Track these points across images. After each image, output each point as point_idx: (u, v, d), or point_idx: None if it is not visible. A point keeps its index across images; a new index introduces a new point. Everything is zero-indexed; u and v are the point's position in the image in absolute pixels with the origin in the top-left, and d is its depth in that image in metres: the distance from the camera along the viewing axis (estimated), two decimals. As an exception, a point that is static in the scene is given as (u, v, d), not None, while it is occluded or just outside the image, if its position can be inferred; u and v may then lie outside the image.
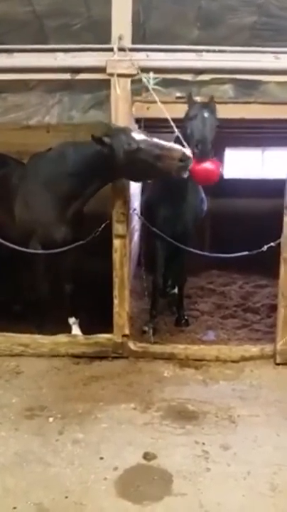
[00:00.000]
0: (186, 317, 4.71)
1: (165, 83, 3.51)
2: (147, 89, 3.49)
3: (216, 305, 5.31)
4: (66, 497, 2.27)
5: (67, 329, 4.04)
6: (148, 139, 3.33)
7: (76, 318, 4.12)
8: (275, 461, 2.56)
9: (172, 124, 3.45)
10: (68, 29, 4.75)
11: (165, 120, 3.54)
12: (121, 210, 3.65)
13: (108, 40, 3.44)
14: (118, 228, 3.67)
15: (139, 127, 4.07)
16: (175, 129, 3.52)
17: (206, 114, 3.69)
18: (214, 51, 3.47)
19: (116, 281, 3.76)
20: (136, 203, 4.85)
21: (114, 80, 3.45)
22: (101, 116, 5.47)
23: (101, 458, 2.58)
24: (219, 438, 2.77)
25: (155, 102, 3.43)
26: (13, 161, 4.28)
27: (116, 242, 3.70)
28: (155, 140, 3.34)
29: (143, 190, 5.31)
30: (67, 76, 3.58)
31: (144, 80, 3.40)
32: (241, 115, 4.12)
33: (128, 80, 3.48)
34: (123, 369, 3.65)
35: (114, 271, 3.74)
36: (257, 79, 3.72)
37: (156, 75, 3.46)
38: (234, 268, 6.14)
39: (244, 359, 3.80)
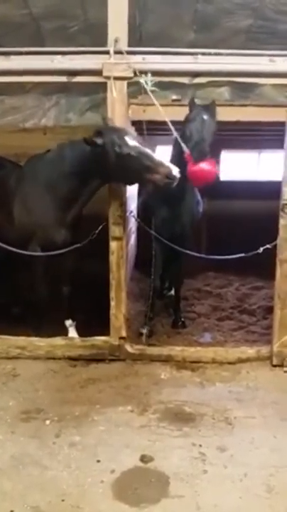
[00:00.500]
0: (183, 319, 4.72)
1: (161, 86, 3.52)
2: (144, 92, 3.50)
3: (212, 307, 5.32)
4: (63, 500, 2.27)
5: (64, 331, 4.03)
6: (141, 147, 3.33)
7: (73, 320, 4.11)
8: (271, 462, 2.57)
9: (170, 126, 3.46)
10: (65, 32, 4.75)
11: (162, 122, 3.55)
12: (118, 212, 3.66)
13: (104, 43, 3.45)
14: (115, 230, 3.67)
15: (137, 129, 4.08)
16: (173, 131, 3.53)
17: (205, 117, 3.71)
18: (210, 54, 3.48)
19: (112, 283, 3.76)
20: (132, 205, 4.85)
21: (110, 83, 3.46)
22: (97, 119, 5.45)
23: (98, 461, 2.58)
24: (215, 440, 2.77)
25: (151, 104, 3.44)
26: (10, 164, 4.28)
27: (113, 245, 3.70)
28: (147, 150, 3.36)
29: (139, 193, 5.32)
30: (63, 79, 3.59)
31: (142, 81, 3.41)
32: (237, 118, 4.13)
33: (125, 83, 3.49)
34: (120, 371, 3.65)
35: (110, 273, 3.74)
36: (253, 81, 3.73)
37: (153, 78, 3.47)
38: (231, 270, 6.16)
39: (241, 361, 3.80)
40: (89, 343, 3.83)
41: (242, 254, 3.82)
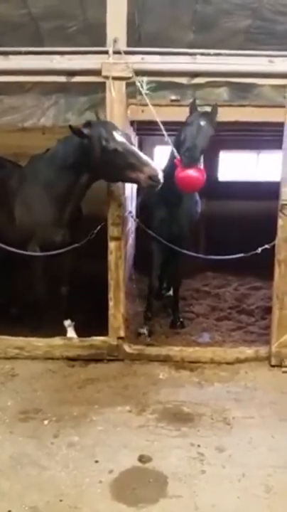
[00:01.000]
0: (181, 319, 4.72)
1: (160, 86, 3.53)
2: (139, 93, 3.51)
3: (211, 307, 5.32)
4: (61, 500, 2.27)
5: (63, 331, 4.03)
6: (127, 144, 3.31)
7: (71, 320, 4.11)
8: (270, 462, 2.57)
9: (162, 129, 3.47)
10: (64, 32, 4.75)
11: (164, 123, 3.56)
12: (117, 212, 3.66)
13: (103, 43, 3.46)
14: (113, 230, 3.67)
15: (136, 129, 4.08)
16: (165, 134, 3.53)
17: (202, 123, 3.71)
18: (209, 54, 3.48)
19: (111, 283, 3.75)
20: (131, 205, 4.86)
21: (109, 83, 3.46)
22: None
23: (97, 461, 2.57)
24: (214, 440, 2.77)
25: (150, 105, 3.45)
26: (10, 164, 4.28)
27: (112, 245, 3.70)
28: (134, 148, 3.34)
29: (138, 193, 5.33)
30: (62, 78, 3.59)
31: (138, 84, 3.42)
32: (235, 118, 4.15)
33: (124, 83, 3.49)
34: (118, 371, 3.65)
35: (109, 273, 3.74)
36: (252, 82, 3.73)
37: (151, 78, 3.47)
38: (229, 270, 6.16)
39: (239, 361, 3.81)
40: (88, 343, 3.82)
41: (241, 255, 3.83)
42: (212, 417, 3.03)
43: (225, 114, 3.95)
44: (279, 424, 2.96)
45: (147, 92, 3.41)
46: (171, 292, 4.97)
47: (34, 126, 5.78)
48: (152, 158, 3.40)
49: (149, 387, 3.42)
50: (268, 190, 4.39)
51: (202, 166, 3.69)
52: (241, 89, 5.37)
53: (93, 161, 3.37)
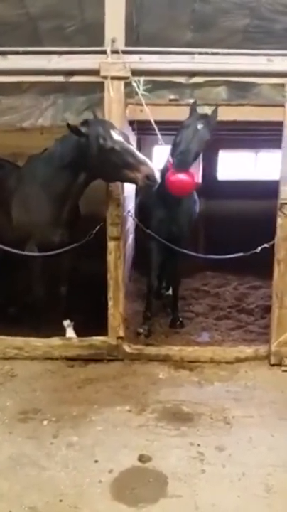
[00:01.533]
0: (181, 319, 4.71)
1: (158, 85, 3.53)
2: (135, 94, 3.51)
3: (210, 306, 5.32)
4: (60, 500, 2.26)
5: (62, 332, 4.03)
6: (125, 143, 3.30)
7: (70, 320, 4.11)
8: (269, 462, 2.57)
9: (155, 128, 3.46)
10: (62, 31, 4.75)
11: (160, 122, 3.56)
12: (116, 212, 3.65)
13: (101, 43, 3.45)
14: (112, 230, 3.67)
15: (136, 129, 4.08)
16: (158, 134, 3.53)
17: (199, 127, 3.72)
18: (207, 53, 3.47)
19: (110, 283, 3.75)
20: (130, 205, 4.85)
21: (107, 83, 3.46)
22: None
23: (96, 461, 2.57)
24: (213, 439, 2.77)
25: (148, 104, 3.44)
26: (9, 164, 4.27)
27: (111, 244, 3.69)
28: (131, 147, 3.33)
29: (137, 192, 5.32)
30: (60, 78, 3.58)
31: (134, 84, 3.42)
32: (234, 117, 4.14)
33: (122, 83, 3.48)
34: (118, 371, 3.65)
35: (108, 273, 3.74)
36: (250, 81, 3.73)
37: (148, 78, 3.47)
38: (229, 269, 6.15)
39: (239, 360, 3.80)
40: (87, 343, 3.82)
41: (240, 254, 3.83)
42: (212, 416, 3.03)
43: (224, 114, 3.95)
44: (279, 423, 2.96)
45: (143, 92, 3.41)
46: (170, 292, 4.97)
47: (32, 127, 5.78)
48: (151, 158, 3.40)
49: (149, 386, 3.41)
50: (267, 189, 4.39)
51: (200, 168, 3.70)
52: (240, 89, 5.37)
53: (90, 159, 3.36)
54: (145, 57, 3.47)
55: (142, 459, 2.58)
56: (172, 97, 4.43)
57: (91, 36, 4.28)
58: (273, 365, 3.75)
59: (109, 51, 3.40)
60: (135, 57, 3.45)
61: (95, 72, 3.45)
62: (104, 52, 3.42)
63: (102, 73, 3.44)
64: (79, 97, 5.84)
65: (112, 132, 3.29)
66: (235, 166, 8.39)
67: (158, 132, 3.49)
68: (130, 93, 3.66)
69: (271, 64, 3.47)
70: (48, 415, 3.01)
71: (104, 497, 2.29)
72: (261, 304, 5.30)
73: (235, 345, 4.10)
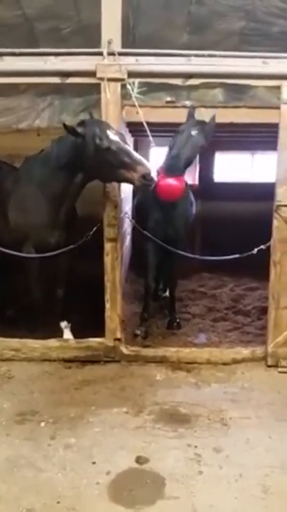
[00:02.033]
0: (178, 320, 4.72)
1: (155, 87, 3.54)
2: (129, 97, 3.52)
3: (207, 308, 5.33)
4: (58, 502, 2.26)
5: (59, 333, 4.02)
6: (121, 143, 3.30)
7: (68, 322, 4.10)
8: (267, 463, 2.57)
9: (147, 129, 3.48)
10: (58, 33, 4.75)
11: (157, 124, 3.57)
12: (113, 213, 3.65)
13: (98, 45, 3.46)
14: (109, 232, 3.67)
15: (133, 131, 4.09)
16: (150, 136, 3.55)
17: (193, 133, 3.74)
18: (203, 56, 3.49)
19: (107, 284, 3.75)
20: (127, 206, 4.86)
21: (104, 84, 3.46)
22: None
23: (94, 462, 2.57)
24: (211, 441, 2.77)
25: (145, 106, 3.46)
26: (5, 165, 4.27)
27: (108, 246, 3.69)
28: (128, 147, 3.34)
29: (134, 194, 5.33)
30: (57, 80, 3.58)
31: (128, 87, 3.43)
32: (230, 119, 4.17)
33: (118, 84, 3.49)
34: (115, 373, 3.65)
35: (105, 274, 3.74)
36: (246, 83, 3.75)
37: (144, 80, 3.48)
38: (225, 271, 6.17)
39: (236, 361, 3.81)
40: (84, 345, 3.82)
41: (237, 255, 3.84)
42: (209, 417, 3.03)
43: (220, 116, 3.97)
44: (276, 425, 2.97)
45: (137, 95, 3.42)
46: (167, 293, 4.97)
47: (29, 128, 5.76)
48: (148, 160, 3.40)
49: (146, 388, 3.41)
50: (263, 191, 4.41)
51: (197, 170, 3.72)
52: (236, 91, 5.38)
53: (87, 160, 3.36)
54: (142, 59, 3.48)
55: (139, 460, 2.58)
56: (168, 99, 4.45)
57: (88, 38, 4.29)
58: (269, 366, 3.76)
59: (105, 53, 3.40)
60: (131, 59, 3.46)
61: (91, 74, 3.46)
62: (100, 54, 3.43)
63: (99, 75, 3.44)
64: (76, 99, 5.83)
65: (108, 132, 3.29)
66: (231, 168, 8.42)
67: (150, 135, 3.51)
68: (126, 95, 3.67)
69: (267, 66, 3.49)
70: (46, 417, 3.00)
71: (101, 499, 2.29)
72: (257, 305, 5.31)
73: (232, 347, 4.11)
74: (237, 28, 4.75)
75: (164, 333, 4.53)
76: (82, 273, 4.55)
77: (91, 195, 3.74)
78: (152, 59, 3.50)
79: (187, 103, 4.29)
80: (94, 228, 3.74)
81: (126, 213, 4.25)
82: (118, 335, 3.81)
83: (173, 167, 3.64)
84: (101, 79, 3.45)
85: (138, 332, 4.29)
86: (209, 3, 4.30)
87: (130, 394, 3.32)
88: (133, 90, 3.42)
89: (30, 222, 3.76)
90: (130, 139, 5.89)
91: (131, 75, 3.46)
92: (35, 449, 2.68)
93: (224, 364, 3.79)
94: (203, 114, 4.11)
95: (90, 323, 4.02)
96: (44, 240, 3.79)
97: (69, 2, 4.29)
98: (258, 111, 4.44)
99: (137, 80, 3.53)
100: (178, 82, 3.60)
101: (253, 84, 3.88)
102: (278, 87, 3.53)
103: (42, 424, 2.93)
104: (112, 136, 3.29)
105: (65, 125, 3.32)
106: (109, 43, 3.39)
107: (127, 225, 5.17)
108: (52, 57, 3.49)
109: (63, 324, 4.09)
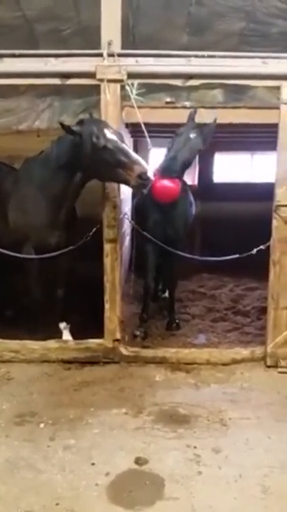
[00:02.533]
0: (177, 321, 4.72)
1: (154, 88, 3.54)
2: (130, 98, 3.52)
3: (207, 308, 5.33)
4: (57, 504, 2.26)
5: (58, 334, 4.02)
6: (119, 142, 3.29)
7: (67, 323, 4.10)
8: (266, 463, 2.57)
9: (144, 130, 3.48)
10: (58, 34, 4.75)
11: (156, 125, 3.57)
12: (112, 214, 3.66)
13: (98, 46, 3.46)
14: (109, 233, 3.67)
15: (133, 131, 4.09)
16: (147, 137, 3.55)
17: (191, 136, 3.74)
18: (203, 56, 3.49)
19: (107, 285, 3.75)
20: (126, 207, 4.86)
21: (103, 85, 3.46)
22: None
23: (93, 463, 2.57)
24: (210, 441, 2.77)
25: (144, 107, 3.46)
26: (5, 166, 4.27)
27: (107, 247, 3.70)
28: (125, 146, 3.32)
29: (133, 195, 5.33)
30: (57, 81, 3.59)
31: (127, 88, 3.44)
32: (230, 120, 4.17)
33: (118, 85, 3.49)
34: (114, 374, 3.65)
35: (105, 275, 3.74)
36: (246, 84, 3.75)
37: (144, 80, 3.48)
38: (225, 271, 6.18)
39: (235, 362, 3.81)
40: (84, 346, 3.82)
41: (236, 256, 3.84)
42: (208, 418, 3.03)
43: (220, 116, 3.97)
44: (275, 425, 2.97)
45: (136, 96, 3.42)
46: (167, 294, 4.97)
47: (29, 129, 5.77)
48: (147, 161, 3.41)
49: (145, 389, 3.41)
50: (263, 192, 4.41)
51: (196, 170, 3.73)
52: (236, 91, 5.39)
53: (84, 158, 3.36)
54: (142, 60, 3.49)
55: (139, 461, 2.58)
56: (168, 99, 4.45)
57: (88, 39, 4.29)
58: (269, 366, 3.76)
59: (105, 54, 3.41)
60: (131, 60, 3.47)
61: (91, 75, 3.46)
62: (100, 55, 3.43)
63: (98, 76, 3.45)
64: (76, 100, 5.84)
65: (106, 131, 3.29)
66: (231, 168, 8.42)
67: (147, 136, 3.51)
68: (126, 96, 3.68)
69: (267, 67, 3.50)
70: (45, 418, 3.00)
71: (100, 500, 2.29)
72: (257, 305, 5.32)
73: (231, 347, 4.11)
74: (237, 29, 4.76)
75: (163, 334, 4.53)
76: (82, 274, 4.55)
77: (91, 196, 3.75)
78: (152, 60, 3.50)
79: (187, 104, 4.28)
80: (94, 229, 3.74)
81: (125, 214, 4.25)
82: (118, 336, 3.81)
83: (170, 169, 3.65)
84: (101, 80, 3.46)
85: (138, 333, 4.29)
86: (208, 4, 4.30)
87: (129, 395, 3.32)
88: (131, 92, 3.43)
89: (30, 223, 3.76)
90: (129, 140, 5.90)
91: (131, 76, 3.47)
92: (35, 450, 2.68)
93: (224, 364, 3.79)
94: (203, 115, 4.12)
95: (89, 324, 4.02)
96: (44, 240, 3.79)
97: (69, 3, 4.30)
98: (257, 111, 4.44)
99: (136, 82, 3.54)
100: (178, 82, 3.61)
101: (253, 84, 3.89)
102: (278, 88, 3.54)
103: (42, 425, 2.93)
104: (109, 134, 3.28)
105: (61, 124, 3.32)
106: (109, 44, 3.40)
107: (126, 226, 5.17)
108: (52, 59, 3.49)
109: (62, 325, 4.09)
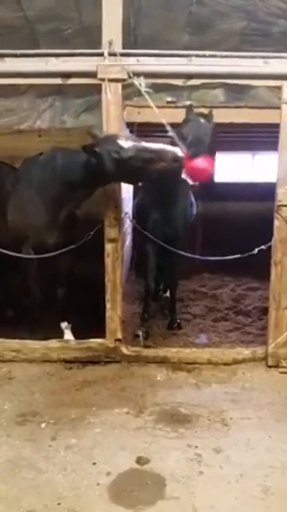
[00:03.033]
0: (178, 320, 4.71)
1: (155, 88, 3.53)
2: (139, 94, 3.50)
3: (208, 308, 5.32)
4: (59, 503, 2.26)
5: (59, 334, 4.02)
6: (137, 144, 3.30)
7: (68, 322, 4.10)
8: (267, 463, 2.57)
9: (166, 125, 3.45)
10: (59, 34, 4.76)
11: (157, 124, 3.56)
12: (113, 214, 3.66)
13: (99, 45, 3.46)
14: (110, 232, 3.67)
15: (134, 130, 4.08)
16: (170, 130, 3.52)
17: (202, 120, 3.72)
18: (204, 56, 3.49)
19: (108, 285, 3.75)
20: (128, 206, 4.86)
21: (105, 85, 3.46)
22: (92, 121, 5.49)
23: (94, 463, 2.57)
24: (211, 441, 2.77)
25: (146, 106, 3.45)
26: (5, 166, 4.27)
27: (108, 247, 3.70)
28: (145, 144, 3.32)
29: (134, 194, 5.33)
30: (58, 81, 3.59)
31: (136, 83, 3.42)
32: (231, 119, 4.16)
33: (119, 85, 3.49)
34: (115, 373, 3.65)
35: (106, 275, 3.74)
36: (247, 83, 3.75)
37: (146, 80, 3.47)
38: (226, 271, 6.17)
39: (236, 362, 3.81)
40: (85, 346, 3.82)
41: (237, 256, 3.84)
42: (210, 418, 3.03)
43: (221, 116, 3.97)
44: (276, 425, 2.96)
45: (147, 90, 3.40)
46: (168, 293, 4.97)
47: (30, 129, 5.77)
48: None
49: (146, 388, 3.41)
50: (264, 191, 4.40)
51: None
52: (237, 91, 5.39)
53: (108, 173, 3.34)
54: (143, 60, 3.48)
55: (140, 461, 2.58)
56: (169, 99, 4.45)
57: (89, 38, 4.30)
58: (270, 366, 3.76)
59: (106, 53, 3.41)
60: (132, 60, 3.46)
61: (92, 75, 3.46)
62: (101, 55, 3.43)
63: (99, 75, 3.45)
64: (77, 99, 5.84)
65: (121, 142, 3.27)
66: (232, 168, 8.42)
67: (168, 126, 3.46)
68: (127, 95, 3.67)
69: (268, 66, 3.49)
70: (46, 418, 3.00)
71: (102, 499, 2.29)
72: (258, 305, 5.31)
73: (232, 347, 4.10)
74: (238, 28, 4.76)
75: (165, 334, 4.53)
76: (83, 273, 4.55)
77: (92, 196, 3.74)
78: (153, 59, 3.50)
79: (188, 103, 4.27)
80: (95, 229, 3.74)
81: (126, 214, 4.25)
82: (119, 335, 3.81)
83: (197, 148, 3.56)
84: (102, 79, 3.45)
85: (139, 332, 4.29)
86: (210, 4, 4.30)
87: (130, 394, 3.32)
88: (141, 86, 3.40)
89: (29, 224, 3.76)
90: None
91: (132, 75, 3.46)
92: (36, 450, 2.68)
93: (225, 364, 3.79)
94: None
95: (91, 324, 4.02)
96: (43, 240, 3.79)
97: (70, 3, 4.30)
98: (259, 111, 4.44)
99: (142, 77, 3.51)
100: (179, 82, 3.60)
101: (254, 84, 3.89)
102: (279, 87, 3.53)
103: (43, 425, 2.93)
104: (126, 143, 3.27)
105: (84, 148, 3.31)
106: (110, 43, 3.40)
107: (128, 226, 5.17)
108: (53, 58, 3.49)
109: (64, 325, 4.09)
